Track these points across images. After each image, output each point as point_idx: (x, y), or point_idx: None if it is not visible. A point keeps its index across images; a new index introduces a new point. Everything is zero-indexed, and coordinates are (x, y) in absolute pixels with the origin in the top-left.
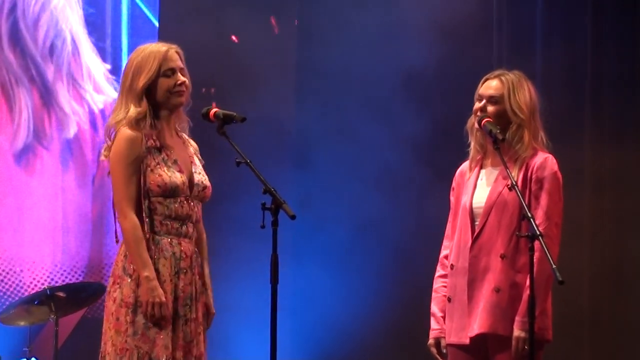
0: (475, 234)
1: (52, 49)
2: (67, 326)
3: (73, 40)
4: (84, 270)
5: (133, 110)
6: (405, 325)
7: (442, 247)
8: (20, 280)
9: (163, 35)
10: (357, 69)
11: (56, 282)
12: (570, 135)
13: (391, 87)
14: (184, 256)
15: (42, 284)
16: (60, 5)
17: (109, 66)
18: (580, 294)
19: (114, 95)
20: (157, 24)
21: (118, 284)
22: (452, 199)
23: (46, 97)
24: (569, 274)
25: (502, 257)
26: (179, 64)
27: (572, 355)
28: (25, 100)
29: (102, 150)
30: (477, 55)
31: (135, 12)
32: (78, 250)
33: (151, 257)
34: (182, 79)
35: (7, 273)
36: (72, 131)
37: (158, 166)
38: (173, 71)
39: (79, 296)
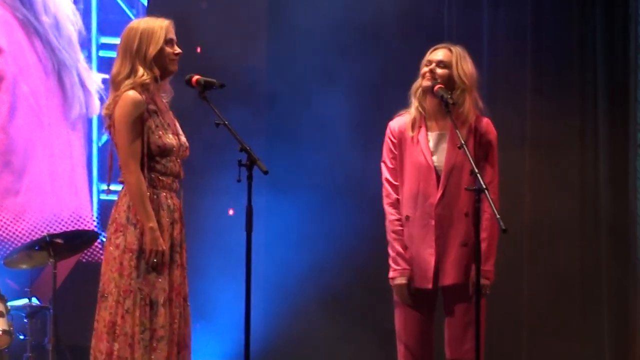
0: (441, 192)
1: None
2: (64, 269)
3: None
4: (78, 219)
5: (145, 75)
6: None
7: (389, 192)
8: (22, 228)
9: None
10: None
11: (54, 229)
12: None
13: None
14: (176, 208)
15: (42, 232)
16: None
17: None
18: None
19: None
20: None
21: (121, 231)
22: (391, 149)
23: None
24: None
25: (466, 214)
26: (175, 36)
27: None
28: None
29: (104, 106)
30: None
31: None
32: (73, 201)
33: (153, 209)
34: (179, 50)
35: (11, 222)
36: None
37: (157, 128)
38: (172, 41)
39: (75, 242)
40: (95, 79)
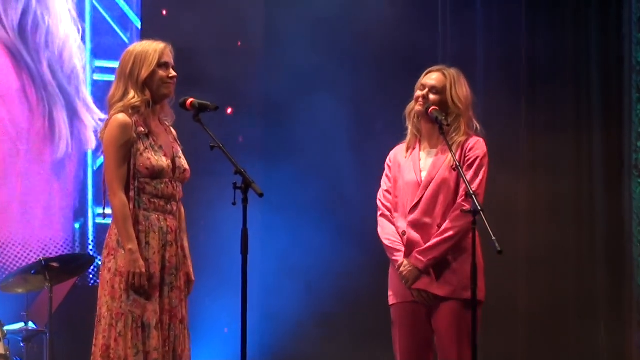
0: (412, 204)
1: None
2: (60, 293)
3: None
4: (74, 243)
5: (135, 98)
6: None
7: (379, 207)
8: (18, 252)
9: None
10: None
11: (50, 253)
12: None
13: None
14: (170, 230)
15: (38, 256)
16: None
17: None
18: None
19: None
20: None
21: (112, 255)
22: (387, 172)
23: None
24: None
25: (439, 226)
26: (172, 61)
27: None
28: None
29: (100, 130)
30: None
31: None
32: (68, 226)
33: (143, 231)
34: (174, 73)
35: (7, 246)
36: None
37: (146, 150)
38: (167, 65)
39: (71, 266)
40: (93, 113)
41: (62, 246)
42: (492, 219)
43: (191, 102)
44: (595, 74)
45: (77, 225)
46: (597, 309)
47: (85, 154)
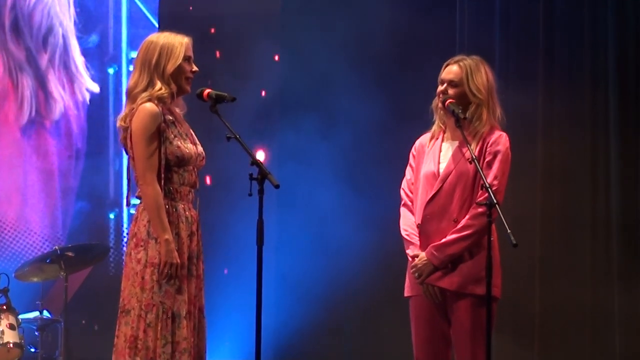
0: (430, 196)
1: (45, 41)
2: (75, 282)
3: (64, 34)
4: (90, 232)
5: (163, 90)
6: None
7: (402, 197)
8: (34, 241)
9: None
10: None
11: (66, 242)
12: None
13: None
14: (193, 220)
15: (53, 245)
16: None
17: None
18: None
19: (92, 84)
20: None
21: (142, 246)
22: (411, 163)
23: (40, 82)
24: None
25: (455, 220)
26: (192, 54)
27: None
28: (28, 82)
29: (120, 118)
30: None
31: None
32: (84, 214)
33: (172, 222)
34: (196, 68)
35: (22, 235)
36: (58, 113)
37: (175, 138)
38: (191, 59)
39: (86, 255)
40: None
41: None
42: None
43: (208, 93)
44: (612, 64)
45: (111, 216)
46: (612, 314)
47: (60, 136)
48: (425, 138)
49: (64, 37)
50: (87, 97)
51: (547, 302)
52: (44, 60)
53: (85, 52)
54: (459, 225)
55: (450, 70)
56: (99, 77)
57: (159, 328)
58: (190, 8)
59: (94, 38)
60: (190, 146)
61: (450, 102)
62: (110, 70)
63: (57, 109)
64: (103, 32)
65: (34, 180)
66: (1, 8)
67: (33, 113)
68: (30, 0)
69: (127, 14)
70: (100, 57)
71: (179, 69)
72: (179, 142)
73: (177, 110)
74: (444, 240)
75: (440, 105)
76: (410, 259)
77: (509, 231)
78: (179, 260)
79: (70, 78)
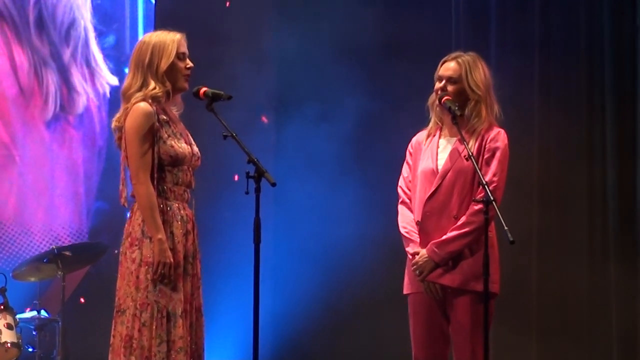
0: (429, 193)
1: (67, 35)
2: (72, 282)
3: (85, 28)
4: (87, 231)
5: (157, 89)
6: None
7: (399, 195)
8: (31, 241)
9: None
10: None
11: (63, 242)
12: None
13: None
14: (188, 219)
15: (50, 244)
16: None
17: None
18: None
19: (111, 77)
20: None
21: (137, 245)
22: (408, 159)
23: (64, 77)
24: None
25: (455, 217)
26: (187, 51)
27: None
28: (53, 77)
29: (114, 118)
30: None
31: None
32: (81, 214)
33: (167, 221)
34: (191, 63)
35: (19, 234)
36: (82, 107)
37: (169, 138)
38: (184, 55)
39: (83, 255)
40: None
41: (74, 234)
42: (505, 202)
43: (204, 92)
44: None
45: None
46: (609, 300)
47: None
48: (421, 135)
49: (85, 30)
50: (108, 90)
51: (545, 291)
52: (66, 54)
53: (102, 52)
54: (459, 222)
55: (449, 67)
56: (117, 77)
57: (154, 327)
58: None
59: (110, 39)
60: (184, 146)
61: (446, 99)
62: (127, 70)
63: (81, 103)
64: (119, 32)
65: (60, 176)
66: (25, 4)
67: (57, 108)
68: None
69: (143, 14)
70: (117, 58)
71: (173, 67)
72: (172, 142)
73: (174, 109)
74: (444, 237)
75: (437, 102)
76: (410, 256)
77: (505, 228)
78: (172, 260)
79: (91, 71)
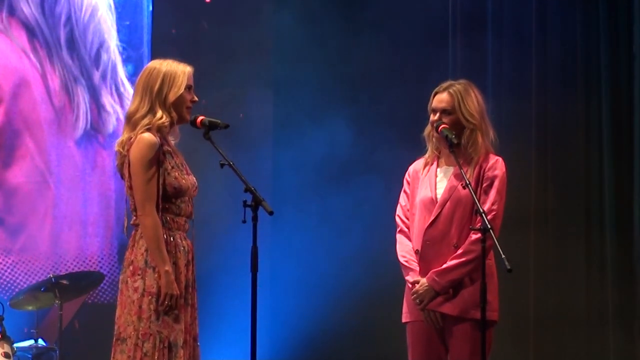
0: (429, 222)
1: (97, 55)
2: (70, 310)
3: (113, 50)
4: (84, 260)
5: (164, 118)
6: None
7: (397, 224)
8: (29, 270)
9: None
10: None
11: (60, 271)
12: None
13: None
14: (189, 249)
15: (48, 273)
16: (103, 16)
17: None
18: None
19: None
20: None
21: (139, 275)
22: (406, 188)
23: (93, 96)
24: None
25: (455, 246)
26: (193, 84)
27: None
28: (84, 96)
29: (118, 142)
30: None
31: None
32: (79, 243)
33: (171, 252)
34: (196, 98)
35: (17, 264)
36: (112, 127)
37: (173, 169)
38: (191, 88)
39: (81, 284)
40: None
41: (71, 263)
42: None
43: (201, 120)
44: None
45: None
46: (606, 317)
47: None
48: (418, 164)
49: (113, 53)
50: None
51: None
52: (96, 75)
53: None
54: (460, 251)
55: (442, 99)
56: None
57: (156, 357)
58: (173, 31)
59: (129, 68)
60: (186, 177)
61: (444, 127)
62: (132, 92)
63: (111, 123)
64: (138, 62)
65: (93, 203)
66: (57, 23)
67: (88, 126)
68: (84, 15)
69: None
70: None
71: (180, 99)
72: (176, 174)
73: (171, 138)
74: (445, 265)
75: (433, 132)
76: (409, 285)
77: (503, 256)
78: (179, 292)
79: (119, 93)
